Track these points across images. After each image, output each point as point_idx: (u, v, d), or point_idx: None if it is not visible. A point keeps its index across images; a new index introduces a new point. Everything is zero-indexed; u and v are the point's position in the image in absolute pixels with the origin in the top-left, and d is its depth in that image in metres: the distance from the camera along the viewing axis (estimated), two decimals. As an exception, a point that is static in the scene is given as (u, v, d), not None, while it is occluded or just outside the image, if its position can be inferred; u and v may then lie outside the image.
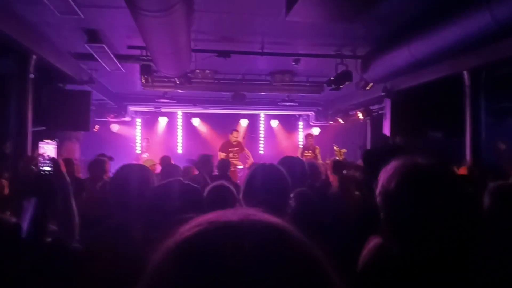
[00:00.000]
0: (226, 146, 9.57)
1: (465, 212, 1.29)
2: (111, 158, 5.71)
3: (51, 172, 2.28)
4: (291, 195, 2.19)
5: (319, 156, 9.95)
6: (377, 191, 1.39)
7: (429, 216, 1.25)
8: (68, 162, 4.96)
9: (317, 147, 10.31)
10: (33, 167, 2.89)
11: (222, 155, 9.17)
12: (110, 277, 1.60)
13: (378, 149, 5.96)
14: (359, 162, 5.81)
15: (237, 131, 10.48)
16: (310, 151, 10.02)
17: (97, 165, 4.97)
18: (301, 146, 10.29)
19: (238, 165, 9.50)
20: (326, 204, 3.23)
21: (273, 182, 2.06)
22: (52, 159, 2.33)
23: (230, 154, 9.41)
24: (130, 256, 1.75)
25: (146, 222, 1.87)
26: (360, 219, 2.52)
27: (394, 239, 1.34)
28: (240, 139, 10.29)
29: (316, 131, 13.77)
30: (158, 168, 6.47)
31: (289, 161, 2.95)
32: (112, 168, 8.24)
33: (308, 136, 10.63)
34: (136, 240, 1.86)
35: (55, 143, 7.94)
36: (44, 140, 7.40)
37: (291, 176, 2.13)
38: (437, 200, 1.26)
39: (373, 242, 1.46)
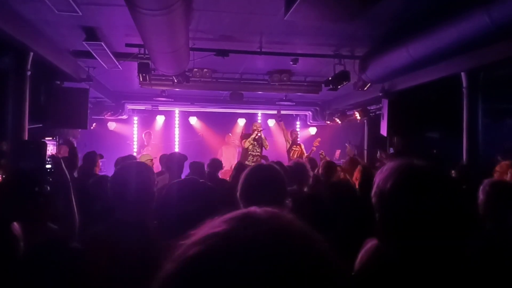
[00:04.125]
0: (249, 137, 9.63)
1: (460, 213, 1.30)
2: (101, 156, 5.76)
3: (52, 170, 2.28)
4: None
5: (304, 151, 9.97)
6: (373, 192, 1.39)
7: (425, 217, 1.26)
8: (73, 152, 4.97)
9: (301, 143, 10.37)
10: None
11: (246, 143, 9.33)
12: (111, 275, 1.60)
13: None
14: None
15: (258, 122, 10.57)
16: (298, 146, 10.06)
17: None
18: (289, 142, 10.22)
19: (257, 158, 9.42)
20: (321, 203, 3.22)
21: (271, 182, 2.05)
22: (52, 157, 2.32)
23: (250, 146, 9.45)
24: (134, 253, 1.76)
25: (160, 221, 1.87)
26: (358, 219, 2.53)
27: (389, 240, 1.35)
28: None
29: (313, 130, 13.79)
30: (156, 164, 6.43)
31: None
32: (106, 166, 8.27)
33: (293, 132, 10.65)
34: (149, 237, 1.87)
35: (55, 141, 7.95)
36: (46, 139, 7.39)
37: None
38: (432, 201, 1.26)
39: (370, 243, 1.46)
